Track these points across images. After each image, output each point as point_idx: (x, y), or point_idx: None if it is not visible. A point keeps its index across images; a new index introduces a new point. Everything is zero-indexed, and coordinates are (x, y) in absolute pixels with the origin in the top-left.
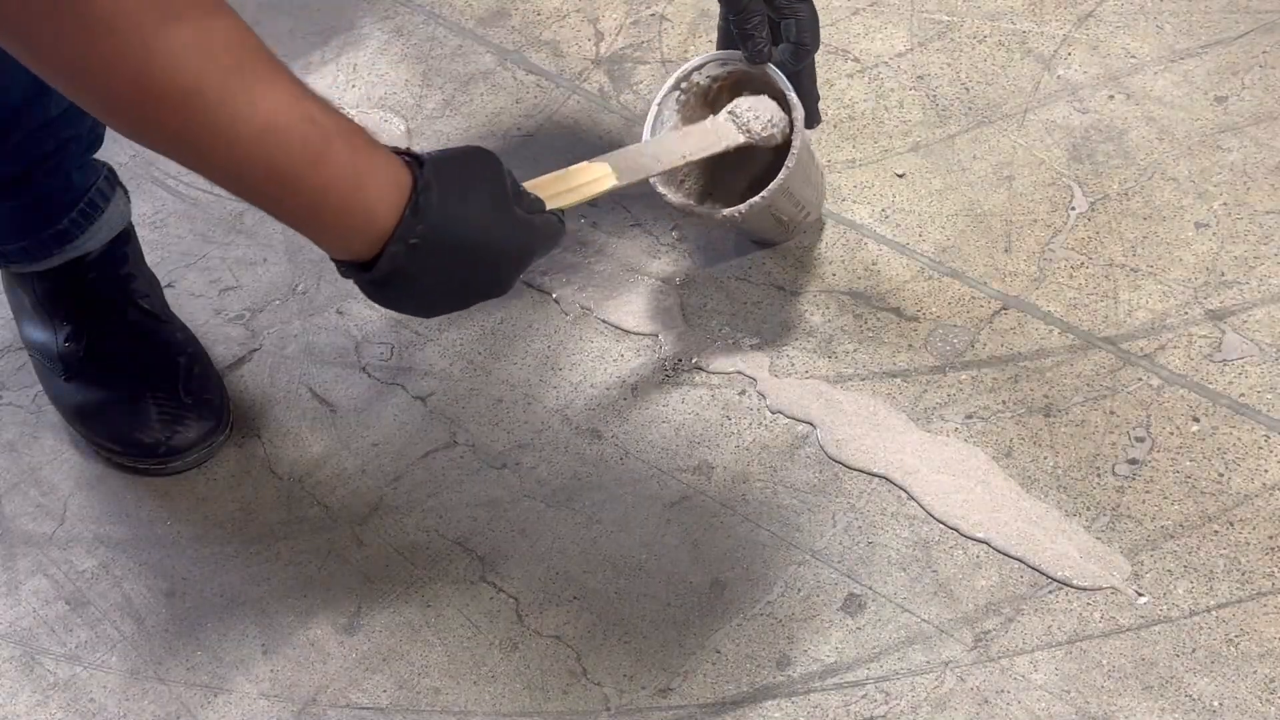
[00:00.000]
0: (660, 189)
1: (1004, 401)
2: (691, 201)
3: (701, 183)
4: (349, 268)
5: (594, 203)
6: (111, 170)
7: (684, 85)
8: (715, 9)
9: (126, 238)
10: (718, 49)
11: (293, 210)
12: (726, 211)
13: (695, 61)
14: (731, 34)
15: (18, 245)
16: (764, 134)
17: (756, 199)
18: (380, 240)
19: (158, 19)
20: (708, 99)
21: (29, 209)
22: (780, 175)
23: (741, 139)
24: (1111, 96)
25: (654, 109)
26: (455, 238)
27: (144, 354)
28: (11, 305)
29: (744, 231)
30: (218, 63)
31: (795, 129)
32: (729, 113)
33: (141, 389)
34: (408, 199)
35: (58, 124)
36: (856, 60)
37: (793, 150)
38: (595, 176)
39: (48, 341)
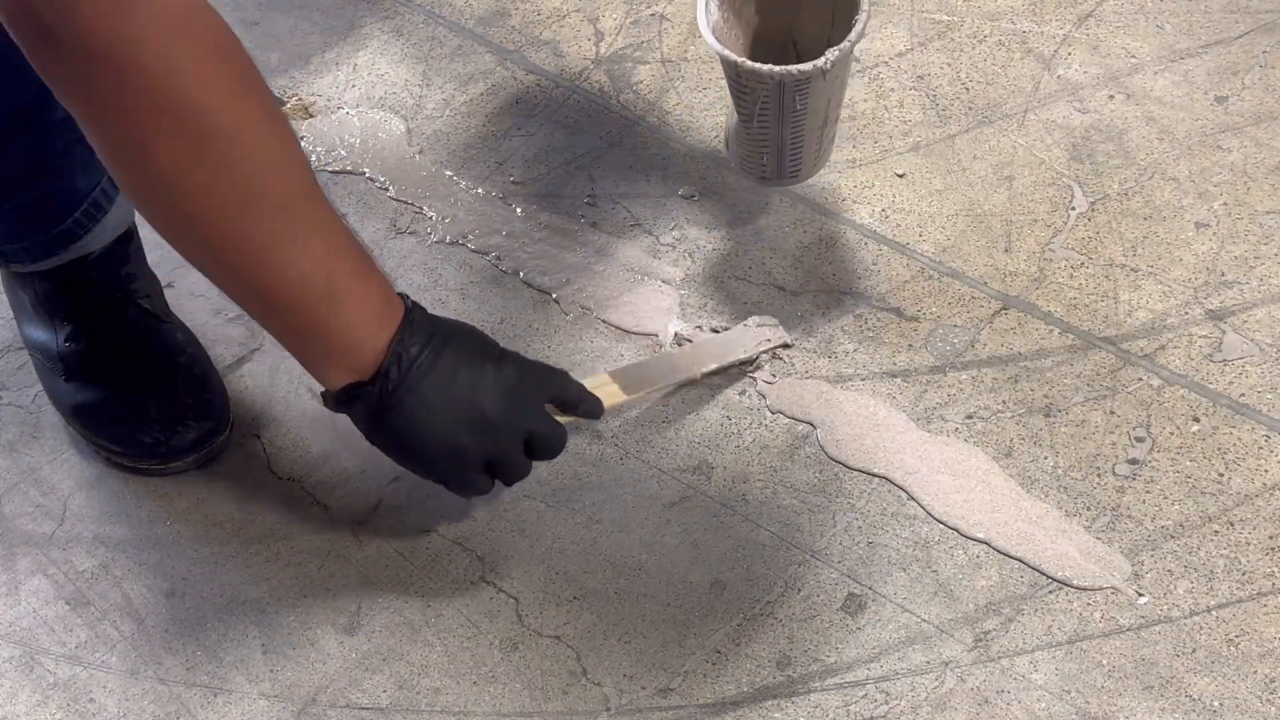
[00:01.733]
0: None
1: (1004, 401)
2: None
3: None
4: (344, 400)
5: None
6: None
7: None
8: None
9: (129, 238)
10: None
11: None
12: (808, 65)
13: None
14: None
15: (20, 245)
16: (758, 351)
17: (844, 42)
18: (373, 361)
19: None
20: None
21: (32, 209)
22: (859, 18)
23: (742, 355)
24: (1111, 96)
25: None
26: (447, 371)
27: (144, 354)
28: (12, 305)
29: (780, 137)
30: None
31: (861, 11)
32: (747, 324)
33: (142, 389)
34: (401, 319)
35: (63, 126)
36: (856, 60)
37: (862, 13)
38: (605, 390)
39: (48, 341)
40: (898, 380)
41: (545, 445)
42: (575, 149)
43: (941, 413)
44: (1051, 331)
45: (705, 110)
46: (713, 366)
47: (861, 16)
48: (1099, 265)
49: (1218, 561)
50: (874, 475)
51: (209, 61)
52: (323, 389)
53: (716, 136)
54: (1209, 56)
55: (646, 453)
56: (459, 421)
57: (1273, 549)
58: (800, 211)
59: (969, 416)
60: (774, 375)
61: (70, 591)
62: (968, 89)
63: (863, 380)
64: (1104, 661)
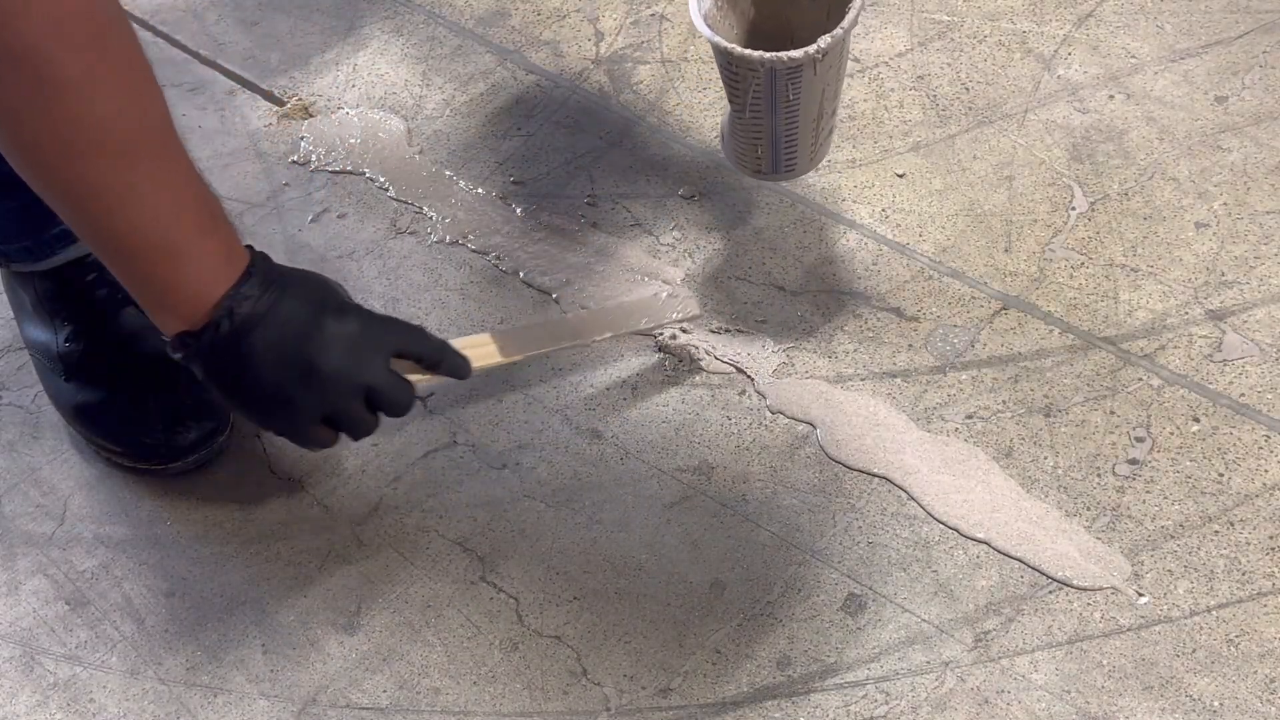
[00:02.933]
0: (709, 35)
1: (1004, 401)
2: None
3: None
4: (182, 344)
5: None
6: None
7: None
8: None
9: None
10: None
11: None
12: (799, 51)
13: None
14: None
15: (20, 245)
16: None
17: (838, 29)
18: (205, 313)
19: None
20: None
21: (32, 208)
22: (853, 7)
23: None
24: (1112, 96)
25: None
26: (287, 316)
27: (144, 354)
28: (12, 305)
29: (774, 129)
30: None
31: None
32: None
33: (142, 389)
34: (244, 268)
35: None
36: (856, 60)
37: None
38: (478, 350)
39: (48, 341)
40: (898, 380)
41: (388, 401)
42: (575, 149)
43: (941, 413)
44: (1051, 331)
45: (705, 110)
46: (607, 335)
47: (856, 4)
48: (1099, 265)
49: (1218, 561)
50: (874, 475)
51: (66, 14)
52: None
53: (716, 136)
54: (1209, 56)
55: (646, 453)
56: (288, 373)
57: (1273, 549)
58: (800, 211)
59: (969, 416)
60: (775, 375)
61: (70, 591)
62: (968, 89)
63: (863, 380)
64: (1104, 661)
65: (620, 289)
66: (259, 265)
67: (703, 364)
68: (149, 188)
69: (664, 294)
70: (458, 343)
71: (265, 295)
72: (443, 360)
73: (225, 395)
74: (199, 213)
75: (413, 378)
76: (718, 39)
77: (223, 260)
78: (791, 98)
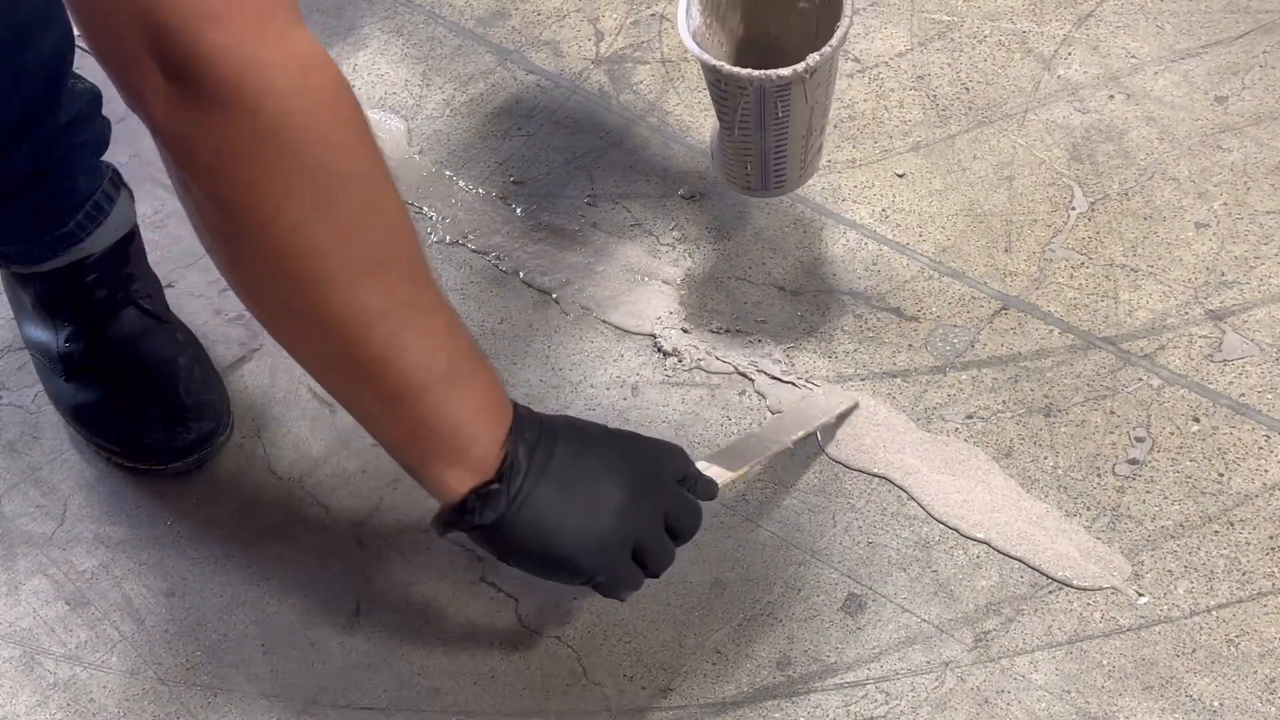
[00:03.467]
0: (700, 55)
1: (1004, 401)
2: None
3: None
4: (465, 509)
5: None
6: (116, 172)
7: None
8: None
9: (130, 239)
10: None
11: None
12: (788, 69)
13: None
14: None
15: (22, 246)
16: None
17: (825, 48)
18: (495, 458)
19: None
20: None
21: (35, 212)
22: (841, 25)
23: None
24: (1112, 96)
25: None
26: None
27: (145, 355)
28: (12, 305)
29: (763, 146)
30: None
31: (844, 16)
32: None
33: (142, 390)
34: (512, 417)
35: (68, 131)
36: (856, 60)
37: (844, 18)
38: (713, 472)
39: (48, 341)
40: (898, 380)
41: (683, 523)
42: (575, 149)
43: (941, 413)
44: (1051, 331)
45: (705, 110)
46: (800, 434)
47: (844, 22)
48: (1099, 265)
49: (1218, 561)
50: (874, 475)
51: (336, 107)
52: (435, 514)
53: (712, 138)
54: (1209, 56)
55: None
56: (597, 510)
57: (1273, 549)
58: (800, 211)
59: (969, 416)
60: (775, 375)
61: (70, 591)
62: (968, 89)
63: (863, 380)
64: (1104, 661)
65: (620, 289)
66: (520, 410)
67: (703, 364)
68: (430, 307)
69: (820, 393)
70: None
71: (544, 431)
72: (699, 481)
73: (532, 550)
74: (469, 339)
75: None
76: (706, 57)
77: (499, 393)
78: (781, 115)
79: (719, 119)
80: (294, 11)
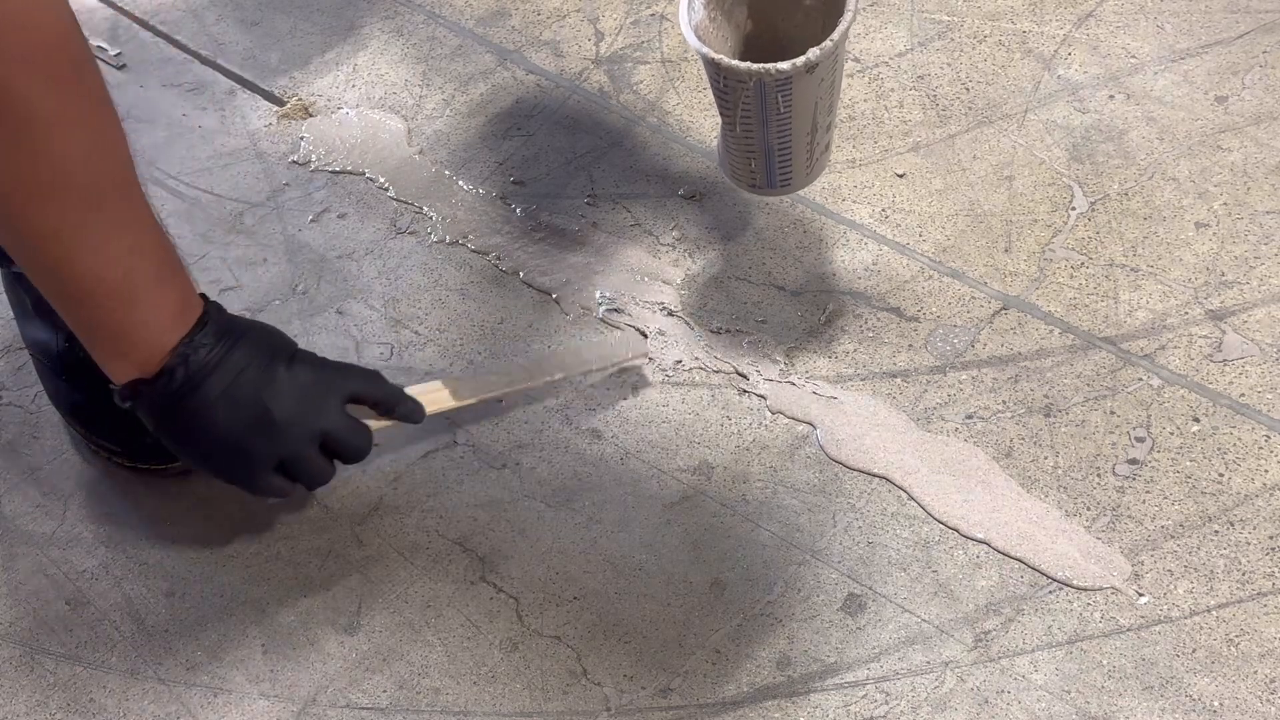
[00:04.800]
0: (702, 49)
1: (1004, 401)
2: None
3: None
4: (127, 396)
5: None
6: None
7: None
8: None
9: None
10: None
11: (84, 314)
12: (788, 63)
13: None
14: None
15: None
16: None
17: (827, 42)
18: (159, 361)
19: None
20: None
21: None
22: (844, 19)
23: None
24: (1112, 96)
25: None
26: (240, 368)
27: None
28: (12, 305)
29: (766, 143)
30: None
31: (847, 11)
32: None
33: None
34: (198, 317)
35: None
36: (856, 60)
37: (847, 13)
38: (431, 396)
39: (48, 341)
40: (898, 380)
41: (345, 447)
42: (575, 149)
43: (941, 413)
44: (1051, 331)
45: (705, 110)
46: (558, 376)
47: (847, 16)
48: (1099, 265)
49: (1218, 561)
50: (874, 475)
51: (39, 52)
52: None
53: (716, 137)
54: (1209, 56)
55: (646, 453)
56: (242, 423)
57: (1273, 549)
58: (800, 211)
59: (969, 416)
60: (775, 375)
61: (70, 591)
62: (968, 89)
63: (863, 380)
64: (1104, 661)
65: (623, 287)
66: (213, 315)
67: (703, 364)
68: (110, 231)
69: (615, 335)
70: (412, 390)
71: (219, 345)
72: (397, 405)
73: (177, 445)
74: (157, 259)
75: (368, 423)
76: (706, 50)
77: (178, 308)
78: (783, 110)
79: (721, 115)
80: None
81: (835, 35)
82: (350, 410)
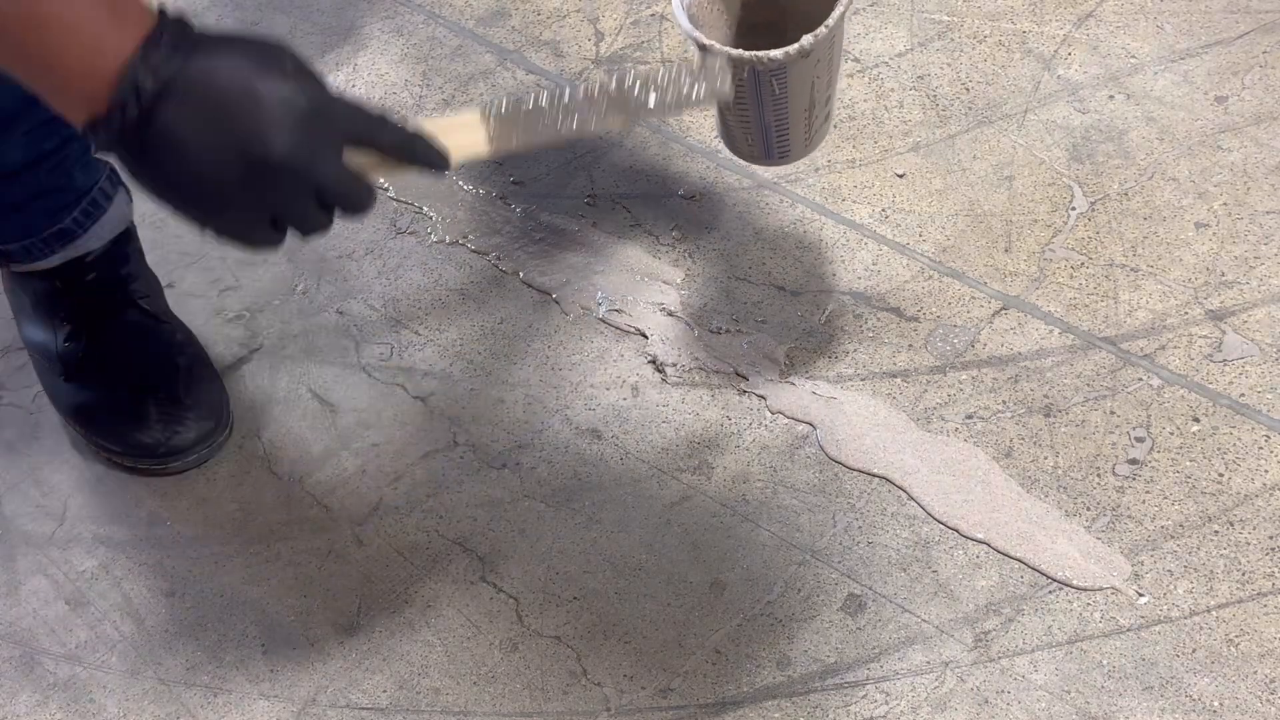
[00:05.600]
0: (693, 33)
1: (1004, 401)
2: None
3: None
4: (96, 132)
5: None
6: (114, 169)
7: None
8: None
9: (128, 237)
10: None
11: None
12: (780, 51)
13: None
14: None
15: (20, 244)
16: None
17: (821, 29)
18: (107, 89)
19: None
20: None
21: (32, 206)
22: (836, 10)
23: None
24: (1111, 96)
25: None
26: (210, 85)
27: (144, 354)
28: (12, 305)
29: (762, 122)
30: None
31: None
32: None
33: (141, 389)
34: (147, 32)
35: (60, 120)
36: (856, 60)
37: None
38: (461, 136)
39: (47, 341)
40: (898, 380)
41: (342, 199)
42: (575, 149)
43: (941, 413)
44: (1051, 331)
45: (705, 110)
46: (618, 120)
47: (843, 1)
48: (1099, 265)
49: (1218, 562)
50: (874, 475)
51: None
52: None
53: (716, 136)
54: (1209, 56)
55: (646, 453)
56: (218, 161)
57: (1273, 549)
58: (800, 211)
59: (969, 416)
60: (775, 375)
61: (70, 591)
62: (968, 89)
63: (863, 380)
64: (1104, 661)
65: (623, 287)
66: (171, 27)
67: (702, 364)
68: None
69: (682, 67)
70: (435, 124)
71: (188, 60)
72: (415, 150)
73: (154, 193)
74: None
75: (377, 173)
76: (698, 34)
77: (111, 19)
78: (778, 93)
79: None
80: None
81: (830, 21)
82: (354, 155)
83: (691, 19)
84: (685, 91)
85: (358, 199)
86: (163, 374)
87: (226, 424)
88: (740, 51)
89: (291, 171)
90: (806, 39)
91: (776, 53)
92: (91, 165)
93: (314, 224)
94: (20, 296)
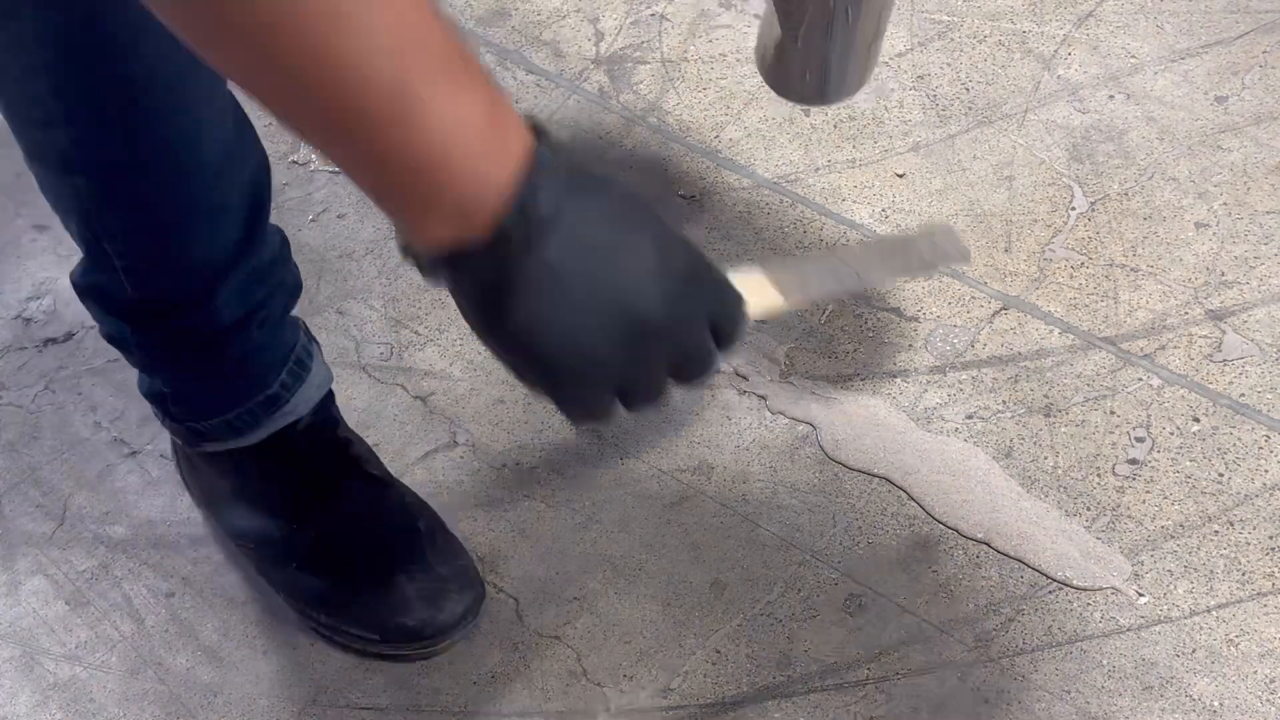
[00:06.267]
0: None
1: (1004, 401)
2: None
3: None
4: (463, 258)
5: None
6: (304, 322)
7: None
8: (714, 9)
9: (332, 397)
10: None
11: (381, 149)
12: None
13: None
14: None
15: (221, 419)
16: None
17: None
18: (490, 208)
19: None
20: None
21: (237, 372)
22: None
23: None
24: (1111, 96)
25: None
26: (602, 220)
27: (381, 526)
28: (200, 494)
29: (826, 54)
30: None
31: None
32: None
33: (390, 566)
34: (530, 146)
35: (271, 268)
36: None
37: None
38: (757, 296)
39: (265, 529)
40: (898, 380)
41: (697, 370)
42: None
43: (941, 413)
44: (1051, 331)
45: (705, 110)
46: (886, 274)
47: None
48: (1099, 265)
49: (1218, 562)
50: (874, 475)
51: None
52: (405, 245)
53: (716, 136)
54: (1209, 56)
55: (646, 453)
56: (599, 307)
57: (1273, 549)
58: (800, 211)
59: (969, 416)
60: (775, 375)
61: (70, 591)
62: (968, 89)
63: (863, 380)
64: (1104, 661)
65: None
66: (549, 143)
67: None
68: (373, 8)
69: (925, 232)
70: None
71: (572, 190)
72: (737, 335)
73: (505, 339)
74: (444, 52)
75: None
76: None
77: (493, 127)
78: (851, 20)
79: (783, 29)
80: None
81: None
82: None
83: None
84: (940, 252)
85: (706, 368)
86: (407, 545)
87: (483, 589)
88: None
89: (668, 334)
90: None
91: None
92: (294, 320)
93: (657, 394)
94: (215, 482)
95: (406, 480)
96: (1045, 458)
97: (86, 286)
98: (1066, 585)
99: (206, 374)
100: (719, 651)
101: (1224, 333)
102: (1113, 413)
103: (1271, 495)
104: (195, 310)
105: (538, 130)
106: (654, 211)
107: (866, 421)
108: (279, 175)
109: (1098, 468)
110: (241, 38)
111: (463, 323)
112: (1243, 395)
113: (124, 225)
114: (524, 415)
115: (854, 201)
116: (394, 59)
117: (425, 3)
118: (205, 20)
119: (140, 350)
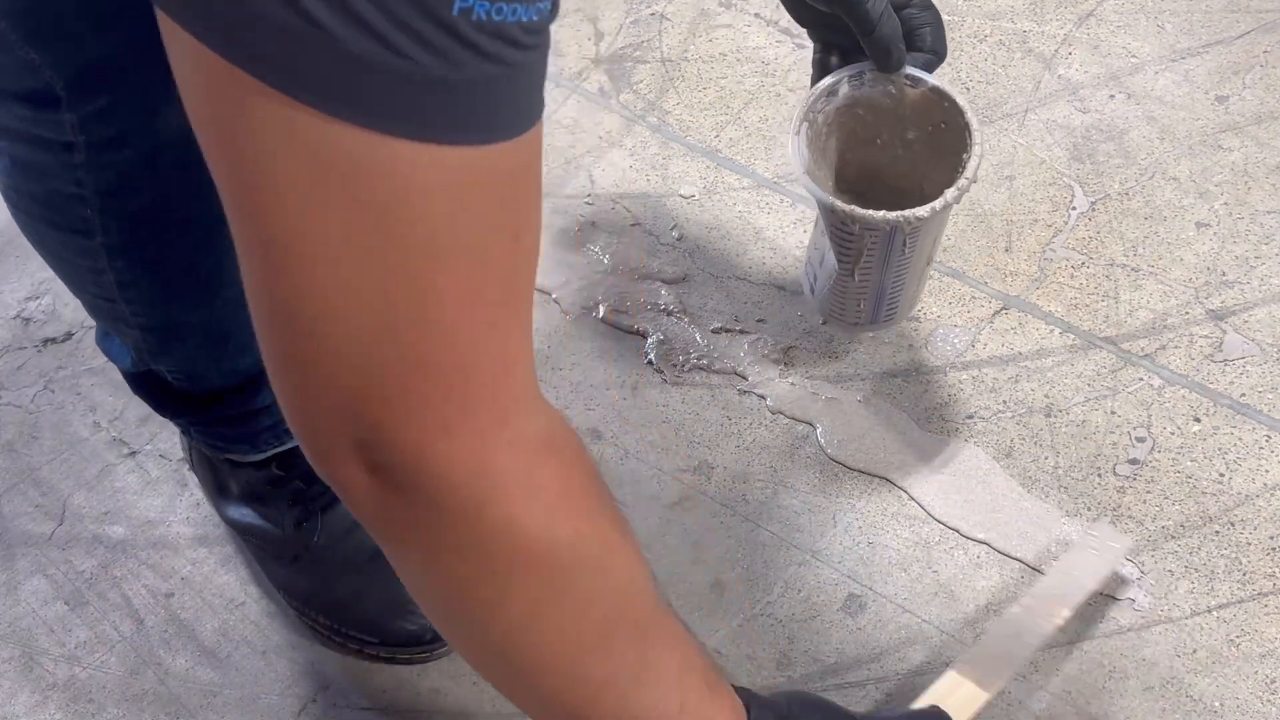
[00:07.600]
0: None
1: (1004, 401)
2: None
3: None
4: None
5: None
6: None
7: (811, 117)
8: (714, 9)
9: None
10: (814, 85)
11: None
12: (925, 208)
13: (825, 84)
14: (828, 66)
15: (249, 444)
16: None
17: (961, 180)
18: None
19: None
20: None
21: (269, 407)
22: (973, 156)
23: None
24: (1112, 96)
25: (793, 141)
26: None
27: None
28: (209, 486)
29: (881, 284)
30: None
31: (973, 146)
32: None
33: (391, 569)
34: None
35: None
36: None
37: (974, 148)
38: (956, 699)
39: (270, 528)
40: (898, 380)
41: None
42: (575, 149)
43: (941, 413)
44: (1052, 331)
45: (705, 110)
46: (1068, 614)
47: (975, 153)
48: (1099, 265)
49: (1218, 562)
50: (874, 475)
51: (571, 482)
52: None
53: (716, 136)
54: (1209, 56)
55: (646, 453)
56: None
57: (1273, 549)
58: (800, 211)
59: (969, 416)
60: (775, 375)
61: (70, 591)
62: (968, 89)
63: (863, 380)
64: (1104, 661)
65: (623, 287)
66: (753, 705)
67: (702, 364)
68: (661, 657)
69: (1085, 539)
70: (934, 691)
71: None
72: None
73: None
74: (703, 667)
75: None
76: (835, 202)
77: (732, 715)
78: (906, 252)
79: (838, 260)
80: (529, 393)
81: (969, 173)
82: None
83: (808, 173)
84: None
85: None
86: None
87: None
88: (885, 214)
89: None
90: (950, 193)
91: (923, 210)
92: None
93: None
94: (225, 480)
95: None
96: (1046, 458)
97: (137, 377)
98: None
99: (238, 424)
100: (719, 652)
101: (1225, 332)
102: (1113, 413)
103: (1272, 495)
104: (238, 396)
105: (747, 699)
106: None
107: (866, 421)
108: None
109: (1098, 468)
110: (534, 698)
111: None
112: (1243, 395)
113: (182, 357)
114: None
115: None
116: (680, 693)
117: (678, 622)
118: (515, 688)
119: (176, 417)
